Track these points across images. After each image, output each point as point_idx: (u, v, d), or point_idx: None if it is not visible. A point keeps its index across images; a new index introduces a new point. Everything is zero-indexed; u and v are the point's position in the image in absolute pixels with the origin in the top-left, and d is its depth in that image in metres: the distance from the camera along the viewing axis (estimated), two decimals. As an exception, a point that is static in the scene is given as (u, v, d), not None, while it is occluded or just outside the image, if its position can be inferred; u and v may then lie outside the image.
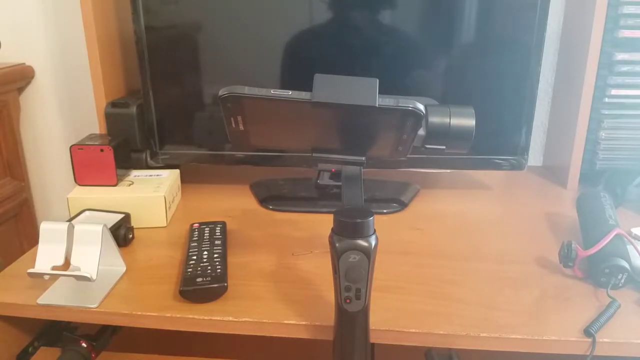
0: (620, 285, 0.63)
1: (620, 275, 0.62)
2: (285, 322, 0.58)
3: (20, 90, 1.10)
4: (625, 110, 0.93)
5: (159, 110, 0.90)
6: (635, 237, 0.74)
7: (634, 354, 0.55)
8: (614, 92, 0.92)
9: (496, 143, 0.89)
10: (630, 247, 0.65)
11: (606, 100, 0.93)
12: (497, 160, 0.90)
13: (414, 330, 0.57)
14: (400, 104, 0.44)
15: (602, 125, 0.94)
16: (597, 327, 0.55)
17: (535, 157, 1.12)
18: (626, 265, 0.62)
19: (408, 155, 0.52)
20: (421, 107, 0.44)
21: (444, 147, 0.49)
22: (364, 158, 0.50)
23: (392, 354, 0.64)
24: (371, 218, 0.47)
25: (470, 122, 0.48)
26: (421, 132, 0.48)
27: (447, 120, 0.48)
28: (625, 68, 0.90)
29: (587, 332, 0.55)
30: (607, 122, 0.93)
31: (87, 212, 0.77)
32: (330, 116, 0.47)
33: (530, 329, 0.57)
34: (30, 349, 0.70)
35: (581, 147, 0.95)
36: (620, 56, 0.90)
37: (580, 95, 0.92)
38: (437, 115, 0.48)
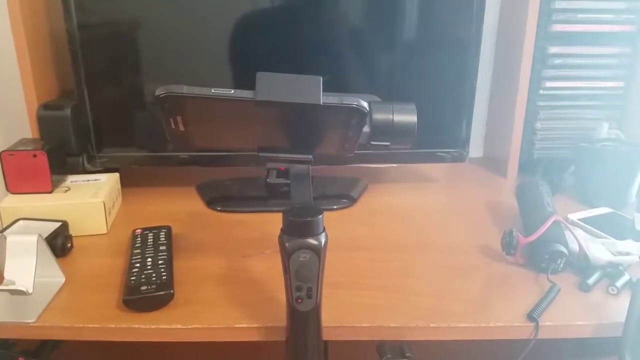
0: (560, 269, 0.66)
1: (560, 260, 0.65)
2: (236, 325, 0.57)
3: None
4: (560, 101, 0.98)
5: (95, 112, 0.86)
6: (572, 223, 0.78)
7: (574, 335, 0.58)
8: (548, 84, 0.96)
9: (438, 136, 0.91)
10: (567, 233, 0.68)
11: (541, 92, 0.97)
12: (440, 154, 0.92)
13: (365, 325, 0.57)
14: (344, 102, 0.44)
15: (538, 116, 0.98)
16: (540, 311, 0.57)
17: (476, 148, 1.15)
18: (564, 250, 0.65)
19: (355, 152, 0.52)
20: (365, 104, 0.44)
21: (388, 143, 0.50)
22: (311, 156, 0.50)
23: (345, 350, 0.64)
24: (320, 216, 0.47)
25: (413, 118, 0.49)
26: (366, 129, 0.48)
27: (390, 117, 0.49)
28: (558, 61, 0.94)
29: (530, 317, 0.57)
30: (542, 113, 0.98)
31: (21, 222, 0.73)
32: (275, 115, 0.46)
33: (476, 317, 0.58)
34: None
35: (519, 138, 0.99)
36: (554, 50, 0.94)
37: (516, 88, 0.95)
38: (381, 112, 0.49)
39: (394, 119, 0.49)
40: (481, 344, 0.59)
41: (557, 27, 0.93)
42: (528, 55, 0.93)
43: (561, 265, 0.65)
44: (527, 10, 0.90)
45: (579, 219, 0.79)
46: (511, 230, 0.68)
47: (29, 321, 0.57)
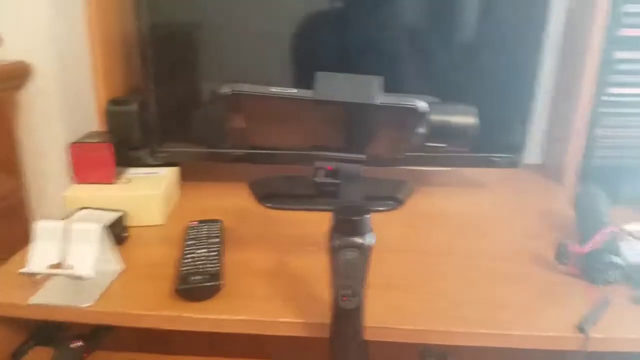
0: (614, 281, 0.63)
1: (614, 271, 0.63)
2: (281, 320, 0.58)
3: (19, 88, 1.09)
4: (624, 108, 0.93)
5: (161, 108, 0.89)
6: (630, 234, 0.74)
7: (626, 349, 0.56)
8: (612, 90, 0.92)
9: (493, 140, 0.89)
10: (623, 244, 0.65)
11: (605, 98, 0.93)
12: (493, 158, 0.90)
13: (409, 327, 0.57)
14: (401, 102, 0.44)
15: (600, 123, 0.94)
16: (590, 323, 0.55)
17: (533, 155, 1.12)
18: (619, 261, 0.62)
19: (407, 153, 0.52)
20: (423, 105, 0.44)
21: (445, 145, 0.49)
22: (364, 156, 0.50)
23: (387, 352, 0.64)
24: (368, 216, 0.47)
25: (472, 120, 0.48)
26: (422, 130, 0.48)
27: (448, 118, 0.48)
28: (624, 67, 0.91)
29: (580, 328, 0.55)
30: (604, 120, 0.94)
31: (83, 210, 0.77)
32: (333, 114, 0.47)
33: (525, 325, 0.57)
34: (24, 348, 0.70)
35: (578, 144, 0.95)
36: (620, 55, 0.90)
37: (579, 93, 0.92)
38: (439, 113, 0.48)
39: (452, 120, 0.48)
40: (526, 353, 0.58)
41: (626, 32, 0.89)
42: (593, 60, 0.90)
43: (615, 277, 0.63)
44: (594, 13, 0.87)
45: (636, 230, 0.75)
46: (565, 243, 0.66)
47: (85, 306, 0.60)
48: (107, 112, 0.90)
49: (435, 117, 0.49)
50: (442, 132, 0.49)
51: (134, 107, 0.89)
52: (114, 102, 0.90)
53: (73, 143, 0.82)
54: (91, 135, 0.86)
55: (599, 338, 0.55)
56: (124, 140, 0.88)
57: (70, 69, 1.08)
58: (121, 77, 0.96)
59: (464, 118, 0.49)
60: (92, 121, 0.92)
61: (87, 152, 0.82)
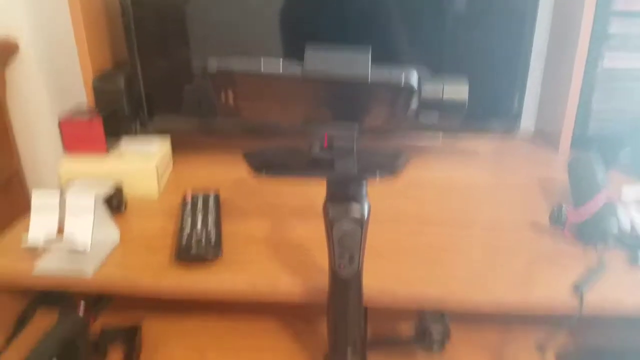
0: (609, 246, 0.64)
1: (609, 236, 0.63)
2: (280, 286, 0.59)
3: (6, 64, 1.08)
4: (618, 79, 0.93)
5: (147, 82, 0.88)
6: (625, 200, 0.75)
7: (621, 311, 0.57)
8: (607, 59, 0.91)
9: (489, 109, 0.89)
10: (619, 210, 0.66)
11: (599, 67, 0.92)
12: (489, 126, 0.90)
13: (405, 294, 0.58)
14: (392, 79, 0.43)
15: (594, 92, 0.94)
16: (586, 286, 0.56)
17: (526, 122, 1.11)
18: (615, 226, 0.63)
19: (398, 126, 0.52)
20: (413, 82, 0.44)
21: (436, 119, 0.49)
22: (356, 129, 0.50)
23: (385, 317, 0.65)
24: (364, 186, 0.48)
25: (463, 95, 0.48)
26: (414, 105, 0.48)
27: (439, 93, 0.48)
28: (618, 38, 0.90)
29: (576, 291, 0.56)
30: (599, 87, 0.93)
31: (78, 182, 0.77)
32: (323, 89, 0.47)
33: (521, 291, 0.58)
34: (28, 312, 0.70)
35: (573, 113, 0.95)
36: (614, 25, 0.89)
37: (572, 64, 0.91)
38: (430, 88, 0.48)
39: (444, 96, 0.48)
40: (522, 318, 0.59)
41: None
42: (587, 28, 0.89)
43: (611, 242, 0.63)
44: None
45: (632, 196, 0.76)
46: (560, 205, 0.66)
47: (87, 275, 0.61)
48: (94, 88, 0.88)
49: (427, 92, 0.49)
50: (433, 106, 0.49)
51: (120, 81, 0.88)
52: (100, 78, 0.89)
53: (62, 120, 0.81)
54: (80, 109, 0.85)
55: (594, 302, 0.56)
56: (113, 114, 0.86)
57: (55, 43, 1.06)
58: (107, 49, 0.95)
59: (456, 93, 0.49)
60: (80, 94, 0.90)
61: (77, 129, 0.81)
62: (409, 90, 0.44)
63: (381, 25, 0.84)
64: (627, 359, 0.65)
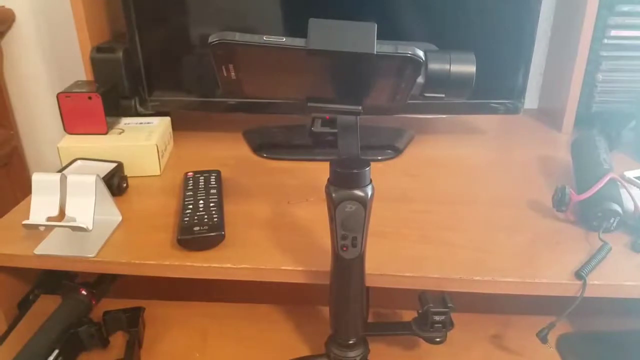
0: (612, 228, 0.64)
1: (613, 219, 0.63)
2: (283, 268, 0.59)
3: (1, 35, 1.06)
4: (625, 51, 0.91)
5: (146, 55, 0.86)
6: (629, 181, 0.75)
7: (623, 295, 0.57)
8: (613, 32, 0.90)
9: (493, 86, 0.88)
10: (623, 191, 0.65)
11: (605, 41, 0.91)
12: (493, 104, 0.89)
13: (408, 274, 0.58)
14: (399, 51, 0.42)
15: (600, 67, 0.92)
16: (588, 269, 0.56)
17: (530, 99, 1.10)
18: (618, 209, 0.63)
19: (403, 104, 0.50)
20: (421, 54, 0.43)
21: (443, 95, 0.48)
22: (360, 107, 0.49)
23: (387, 297, 0.65)
24: (367, 168, 0.47)
25: (471, 68, 0.47)
26: (420, 80, 0.47)
27: (447, 67, 0.46)
28: (626, 8, 0.88)
29: (578, 274, 0.56)
30: (605, 63, 0.92)
31: (78, 162, 0.76)
32: (326, 63, 0.45)
33: (522, 272, 0.58)
34: (30, 297, 0.71)
35: (577, 89, 0.94)
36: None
37: (578, 35, 0.90)
38: (437, 62, 0.46)
39: (451, 69, 0.46)
40: (523, 299, 0.59)
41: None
42: (593, 1, 0.87)
43: (614, 224, 0.63)
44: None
45: (636, 177, 0.76)
46: (564, 186, 0.66)
47: (90, 256, 0.61)
48: (93, 60, 0.87)
49: (434, 66, 0.47)
50: (440, 81, 0.48)
51: (119, 53, 0.86)
52: (98, 49, 0.87)
53: (60, 93, 0.80)
54: (79, 84, 0.84)
55: (596, 284, 0.56)
56: (113, 89, 0.85)
57: (52, 15, 1.04)
58: (105, 22, 0.93)
59: (464, 67, 0.48)
60: (79, 69, 0.89)
61: (76, 103, 0.80)
62: (416, 62, 0.43)
63: (384, 3, 0.82)
64: (627, 342, 0.65)
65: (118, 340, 0.65)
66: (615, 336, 0.66)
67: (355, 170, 0.47)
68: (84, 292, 0.65)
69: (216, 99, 0.90)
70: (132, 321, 0.65)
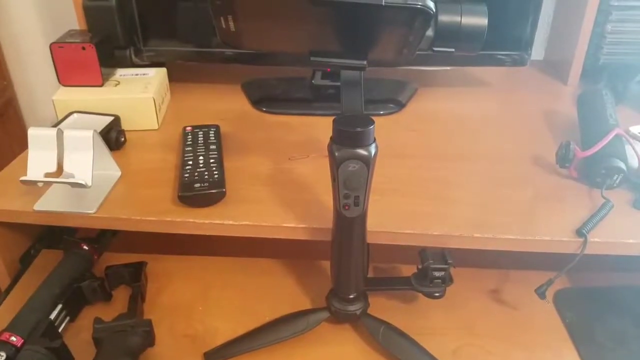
0: (615, 185, 0.63)
1: (616, 176, 0.63)
2: (284, 224, 0.59)
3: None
4: (636, 1, 0.88)
5: (140, 2, 0.83)
6: (634, 137, 0.74)
7: (624, 252, 0.57)
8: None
9: (499, 37, 0.85)
10: (628, 147, 0.64)
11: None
12: (499, 56, 0.86)
13: (408, 231, 0.58)
14: (408, 2, 0.40)
15: (610, 17, 0.89)
16: (590, 227, 0.56)
17: (536, 50, 1.07)
18: (623, 166, 0.62)
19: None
20: (431, 5, 0.40)
21: (452, 49, 0.46)
22: (365, 62, 0.47)
23: (387, 253, 0.66)
24: (372, 127, 0.46)
25: (483, 21, 0.44)
26: (429, 33, 0.44)
27: (457, 19, 0.44)
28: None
29: (579, 232, 0.56)
30: (615, 13, 0.89)
31: (75, 115, 0.75)
32: (331, 15, 0.43)
33: (523, 229, 0.58)
34: (32, 252, 0.71)
35: (586, 40, 0.91)
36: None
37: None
38: (447, 13, 0.44)
39: (462, 21, 0.44)
40: (524, 255, 0.59)
41: None
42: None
43: (617, 181, 0.63)
44: None
45: (641, 132, 0.75)
46: (568, 142, 0.65)
47: (90, 212, 0.60)
48: (85, 8, 0.83)
49: (444, 18, 0.45)
50: (450, 34, 0.46)
51: (112, 1, 0.83)
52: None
53: (53, 43, 0.77)
54: (72, 34, 0.81)
55: (597, 242, 0.56)
56: (106, 39, 0.82)
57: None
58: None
59: (475, 19, 0.45)
60: (71, 18, 0.86)
61: (69, 53, 0.77)
62: (426, 14, 0.41)
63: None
64: (623, 297, 0.66)
65: (121, 294, 0.66)
66: (611, 291, 0.67)
67: (359, 129, 0.45)
68: (85, 247, 0.66)
69: (214, 49, 0.87)
70: (135, 276, 0.66)
